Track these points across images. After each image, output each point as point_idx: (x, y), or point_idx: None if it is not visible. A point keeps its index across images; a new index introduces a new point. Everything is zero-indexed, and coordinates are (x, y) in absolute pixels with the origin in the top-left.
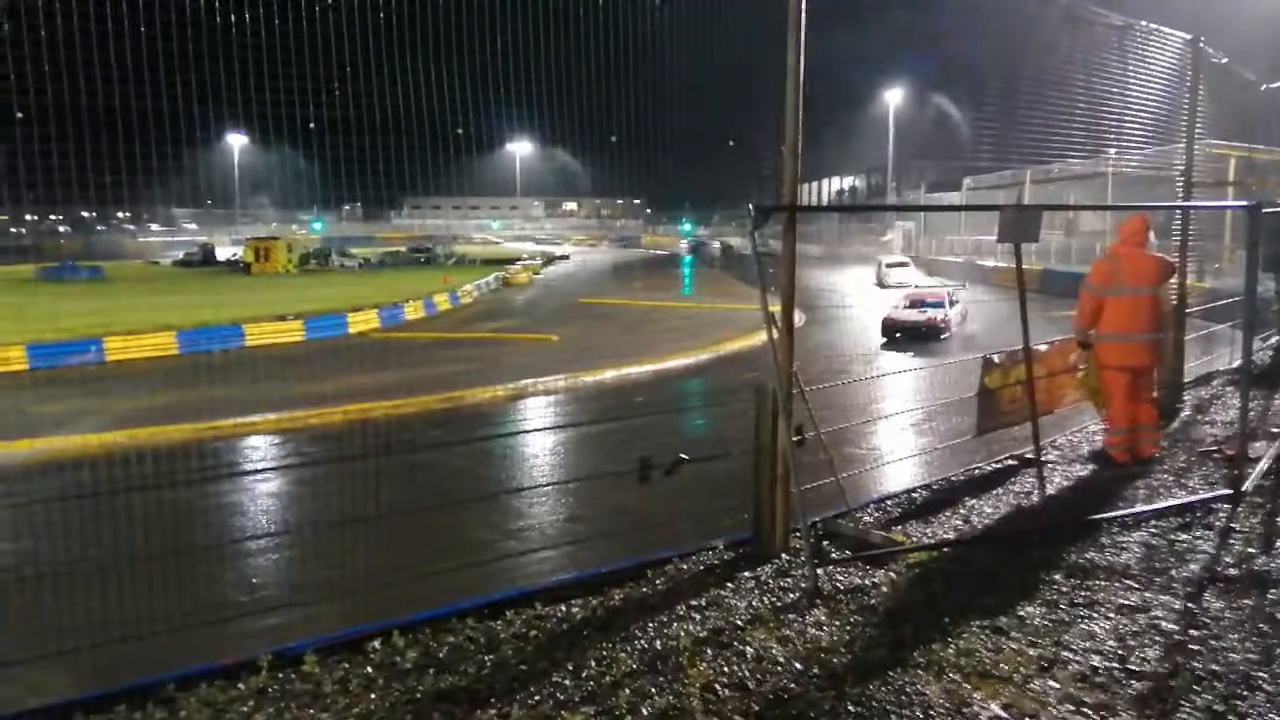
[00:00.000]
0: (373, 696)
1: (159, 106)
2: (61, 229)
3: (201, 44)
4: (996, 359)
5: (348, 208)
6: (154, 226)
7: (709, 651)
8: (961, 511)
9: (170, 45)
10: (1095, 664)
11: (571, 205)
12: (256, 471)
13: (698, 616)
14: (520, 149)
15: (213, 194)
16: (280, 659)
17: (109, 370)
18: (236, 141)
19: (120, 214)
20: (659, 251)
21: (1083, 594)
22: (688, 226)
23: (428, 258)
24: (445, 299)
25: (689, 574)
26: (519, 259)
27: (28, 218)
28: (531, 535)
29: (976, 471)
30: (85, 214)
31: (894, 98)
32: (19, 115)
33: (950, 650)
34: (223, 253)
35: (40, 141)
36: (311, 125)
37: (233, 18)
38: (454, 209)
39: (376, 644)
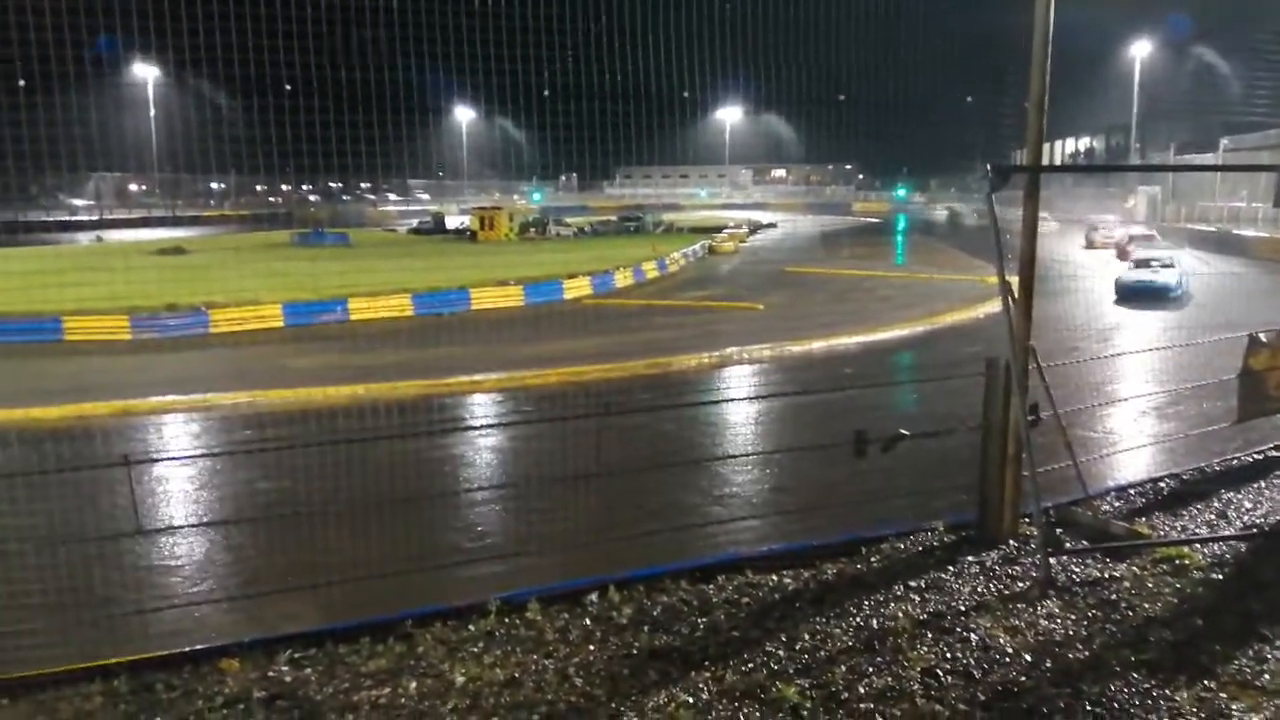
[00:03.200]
0: (591, 648)
1: (397, 79)
2: (312, 198)
3: (435, 15)
4: (1264, 338)
5: (564, 178)
6: (391, 196)
7: (929, 635)
8: (1217, 505)
9: (408, 18)
10: None
11: (780, 172)
12: (482, 427)
13: (917, 598)
14: (730, 115)
15: (444, 166)
16: (507, 605)
17: (352, 329)
18: (465, 115)
19: (363, 184)
20: (871, 219)
21: None
22: (902, 192)
23: (637, 226)
24: (653, 267)
25: (906, 554)
26: (726, 227)
27: (284, 188)
28: (737, 503)
29: (1234, 462)
30: (332, 185)
31: (1140, 50)
32: (287, 87)
33: (1204, 655)
34: (451, 221)
35: (290, 114)
36: (546, 94)
37: None
38: (664, 178)
39: (594, 597)
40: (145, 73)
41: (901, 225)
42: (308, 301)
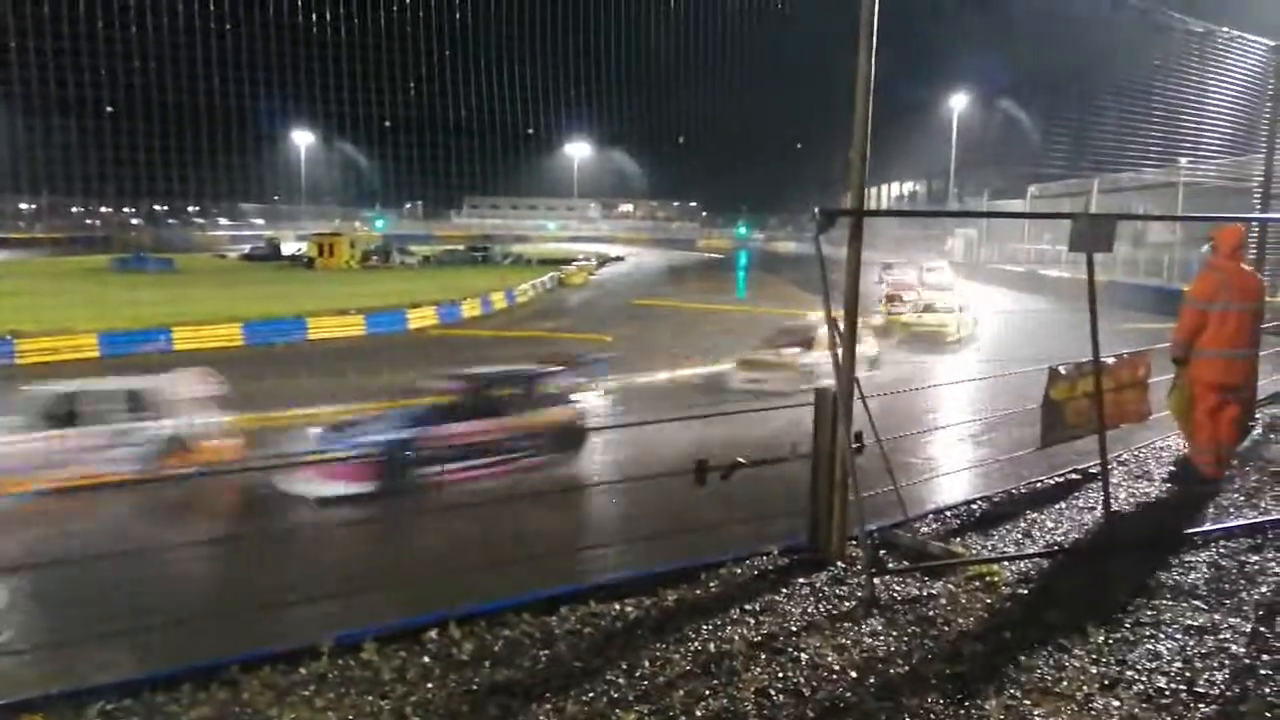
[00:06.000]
0: (429, 686)
1: (229, 104)
2: (134, 221)
3: (272, 43)
4: (1063, 370)
5: (409, 206)
6: (222, 221)
7: (763, 656)
8: (1023, 525)
9: (242, 43)
10: (1160, 685)
11: (627, 207)
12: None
13: (752, 621)
14: (578, 150)
15: (279, 189)
16: (340, 646)
17: (176, 359)
18: (303, 139)
19: (190, 208)
20: (715, 255)
21: (1148, 613)
22: (744, 229)
23: (485, 256)
24: (501, 298)
25: (743, 578)
26: (574, 259)
27: (102, 210)
28: (587, 532)
29: (1038, 485)
30: (156, 207)
31: (959, 102)
32: (109, 109)
33: (1010, 665)
34: (288, 248)
35: (113, 135)
36: (387, 124)
37: (312, 17)
38: (512, 209)
39: (434, 634)
40: None
41: (743, 261)
42: (127, 330)
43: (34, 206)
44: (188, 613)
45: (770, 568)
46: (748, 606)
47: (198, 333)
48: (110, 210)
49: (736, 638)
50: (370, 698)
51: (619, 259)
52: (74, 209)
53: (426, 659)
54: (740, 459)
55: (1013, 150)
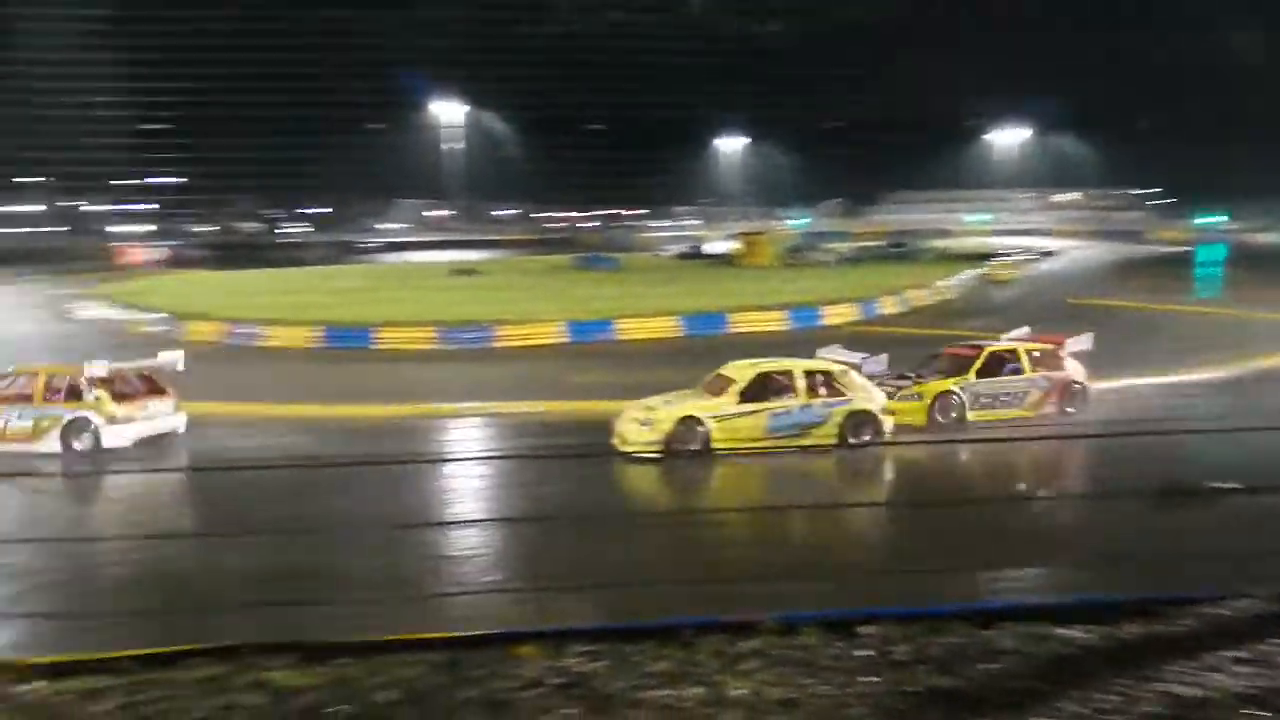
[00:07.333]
0: (867, 679)
1: (669, 115)
2: (589, 224)
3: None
4: None
5: (831, 203)
6: (658, 222)
7: (1253, 712)
8: None
9: (682, 60)
10: None
11: (1063, 197)
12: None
13: (1238, 670)
14: (1010, 138)
15: (708, 191)
16: (780, 625)
17: (620, 348)
18: (732, 143)
19: (631, 210)
20: (1173, 248)
21: None
22: (1210, 218)
23: (904, 252)
24: (922, 294)
25: (1224, 620)
26: (1001, 254)
27: (565, 214)
28: (1024, 548)
29: None
30: (604, 211)
31: None
32: (590, 128)
33: None
34: (714, 247)
35: (565, 150)
36: (838, 125)
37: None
38: (936, 202)
39: (870, 629)
40: (450, 110)
41: (1210, 255)
42: (586, 320)
43: (508, 213)
44: (643, 576)
45: (1259, 612)
46: (1230, 654)
47: (639, 324)
48: (572, 214)
49: (1217, 686)
50: (810, 681)
51: (1051, 253)
52: (539, 214)
53: (861, 652)
54: (1226, 483)
55: None
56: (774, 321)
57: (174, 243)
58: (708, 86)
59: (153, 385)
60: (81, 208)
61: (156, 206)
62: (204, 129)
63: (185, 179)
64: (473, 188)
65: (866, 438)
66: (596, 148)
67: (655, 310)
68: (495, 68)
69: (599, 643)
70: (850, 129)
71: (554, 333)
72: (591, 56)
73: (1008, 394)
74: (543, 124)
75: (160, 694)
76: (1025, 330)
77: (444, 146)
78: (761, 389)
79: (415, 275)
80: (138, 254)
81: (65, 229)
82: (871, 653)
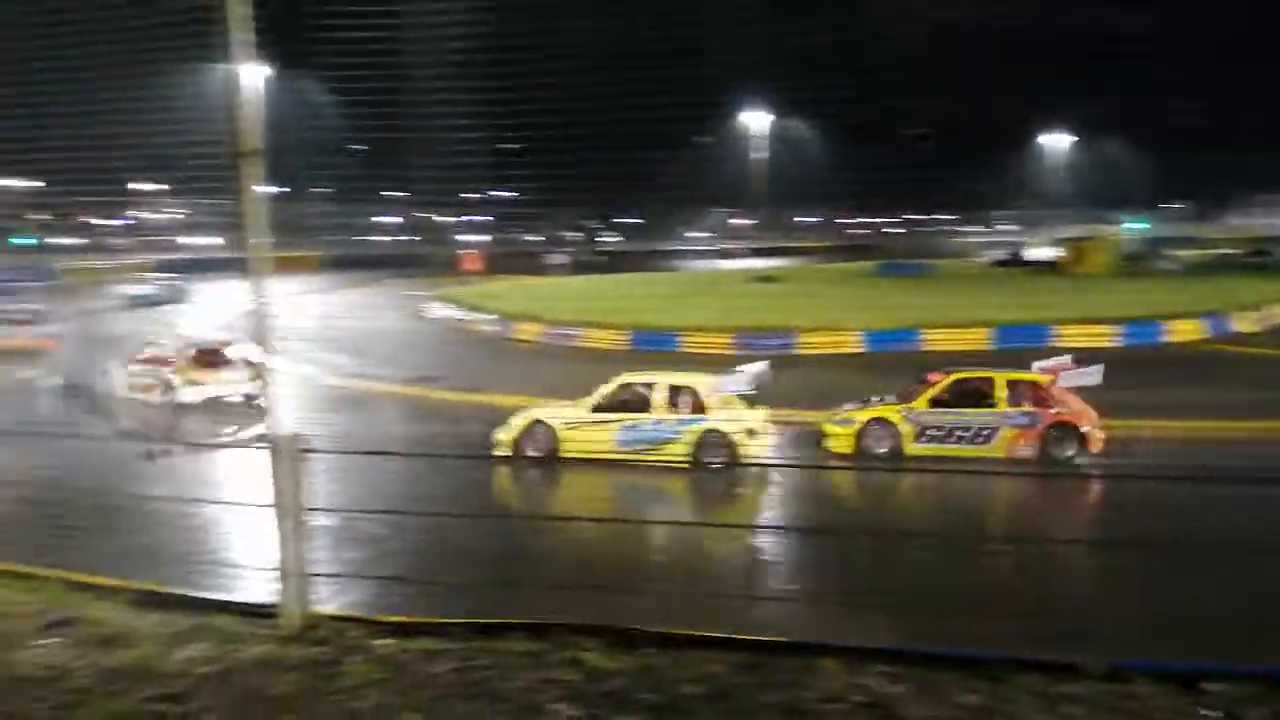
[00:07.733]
0: None
1: (983, 119)
2: (894, 231)
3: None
4: None
5: (1176, 205)
6: (972, 228)
7: None
8: None
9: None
10: None
11: None
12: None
13: None
14: None
15: (1027, 195)
16: (1109, 671)
17: (921, 359)
18: (1057, 141)
19: (943, 215)
20: None
21: None
22: None
23: (1267, 262)
24: None
25: None
26: None
27: (868, 220)
28: None
29: None
30: (910, 217)
31: None
32: (919, 133)
33: None
34: (1037, 253)
35: (877, 157)
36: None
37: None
38: None
39: (1216, 686)
40: (758, 119)
41: None
42: (886, 330)
43: (810, 220)
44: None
45: None
46: None
47: (947, 335)
48: (877, 221)
49: None
50: None
51: None
52: (840, 221)
53: (1205, 710)
54: None
55: None
56: (1104, 337)
57: (525, 251)
58: (1038, 82)
59: None
60: (434, 218)
61: (491, 219)
62: (542, 148)
63: (518, 193)
64: (777, 195)
65: (719, 459)
66: (908, 151)
67: (969, 320)
68: (804, 77)
69: (899, 664)
70: (1206, 125)
71: (854, 341)
72: (911, 61)
73: (964, 428)
74: (851, 130)
75: (489, 661)
76: (1066, 359)
77: (752, 155)
78: (621, 403)
79: (722, 282)
80: (476, 261)
81: (418, 239)
82: (1220, 714)
